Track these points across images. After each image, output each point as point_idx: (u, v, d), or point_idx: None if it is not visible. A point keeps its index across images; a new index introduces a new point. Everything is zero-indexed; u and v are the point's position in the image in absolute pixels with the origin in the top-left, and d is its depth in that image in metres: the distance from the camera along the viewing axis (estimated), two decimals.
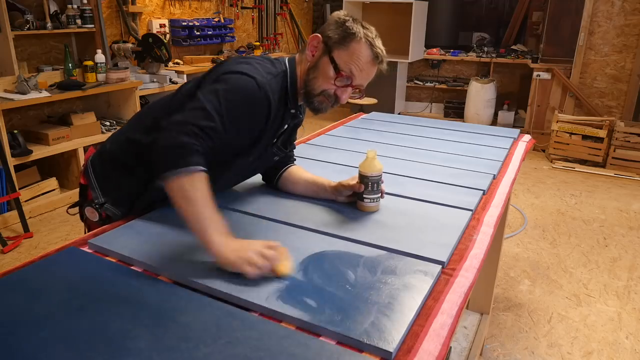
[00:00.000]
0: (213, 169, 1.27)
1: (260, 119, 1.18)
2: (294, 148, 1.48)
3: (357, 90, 1.24)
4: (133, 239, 1.11)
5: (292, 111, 1.28)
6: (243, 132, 1.17)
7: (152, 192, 1.24)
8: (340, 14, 1.23)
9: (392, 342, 0.79)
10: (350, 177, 1.33)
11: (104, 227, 1.20)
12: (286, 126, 1.32)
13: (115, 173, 1.28)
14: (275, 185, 1.44)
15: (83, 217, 1.32)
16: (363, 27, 1.20)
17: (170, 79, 4.12)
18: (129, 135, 1.29)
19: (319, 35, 1.22)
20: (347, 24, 1.19)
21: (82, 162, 3.44)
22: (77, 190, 1.37)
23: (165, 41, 4.08)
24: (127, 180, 1.27)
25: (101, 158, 1.32)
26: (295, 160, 1.48)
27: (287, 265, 0.98)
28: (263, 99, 1.15)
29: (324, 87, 1.21)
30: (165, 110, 1.21)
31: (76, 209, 1.35)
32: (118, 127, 3.10)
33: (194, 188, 1.00)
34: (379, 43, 1.20)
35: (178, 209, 1.01)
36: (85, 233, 1.34)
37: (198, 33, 4.89)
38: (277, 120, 1.24)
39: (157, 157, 1.03)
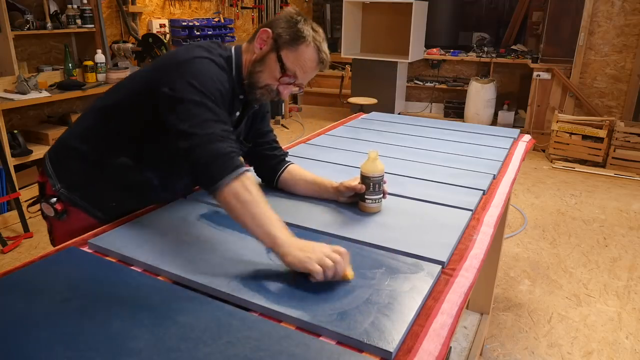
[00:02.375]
0: (180, 164, 1.23)
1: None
2: (276, 142, 1.46)
3: (297, 87, 1.27)
4: (133, 239, 1.11)
5: (241, 97, 1.28)
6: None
7: (108, 176, 1.27)
8: (292, 11, 1.24)
9: (392, 342, 0.80)
10: (352, 178, 1.33)
11: (103, 227, 1.20)
12: (238, 113, 1.31)
13: (68, 158, 1.31)
14: (275, 186, 1.44)
15: (44, 215, 1.34)
16: (313, 29, 1.21)
17: None
18: (81, 123, 1.34)
19: (269, 30, 1.22)
20: (299, 25, 1.20)
21: None
22: None
23: (165, 41, 4.08)
24: (79, 163, 1.29)
25: (56, 148, 1.36)
26: (287, 155, 1.47)
27: (351, 271, 0.97)
28: (225, 78, 1.19)
29: (267, 82, 1.23)
30: (112, 93, 1.29)
31: (37, 207, 1.37)
32: None
33: (247, 191, 1.02)
34: (325, 47, 1.23)
35: (235, 215, 1.02)
36: (48, 230, 1.37)
37: (198, 33, 4.88)
38: (228, 105, 1.23)
39: (203, 175, 1.05)
